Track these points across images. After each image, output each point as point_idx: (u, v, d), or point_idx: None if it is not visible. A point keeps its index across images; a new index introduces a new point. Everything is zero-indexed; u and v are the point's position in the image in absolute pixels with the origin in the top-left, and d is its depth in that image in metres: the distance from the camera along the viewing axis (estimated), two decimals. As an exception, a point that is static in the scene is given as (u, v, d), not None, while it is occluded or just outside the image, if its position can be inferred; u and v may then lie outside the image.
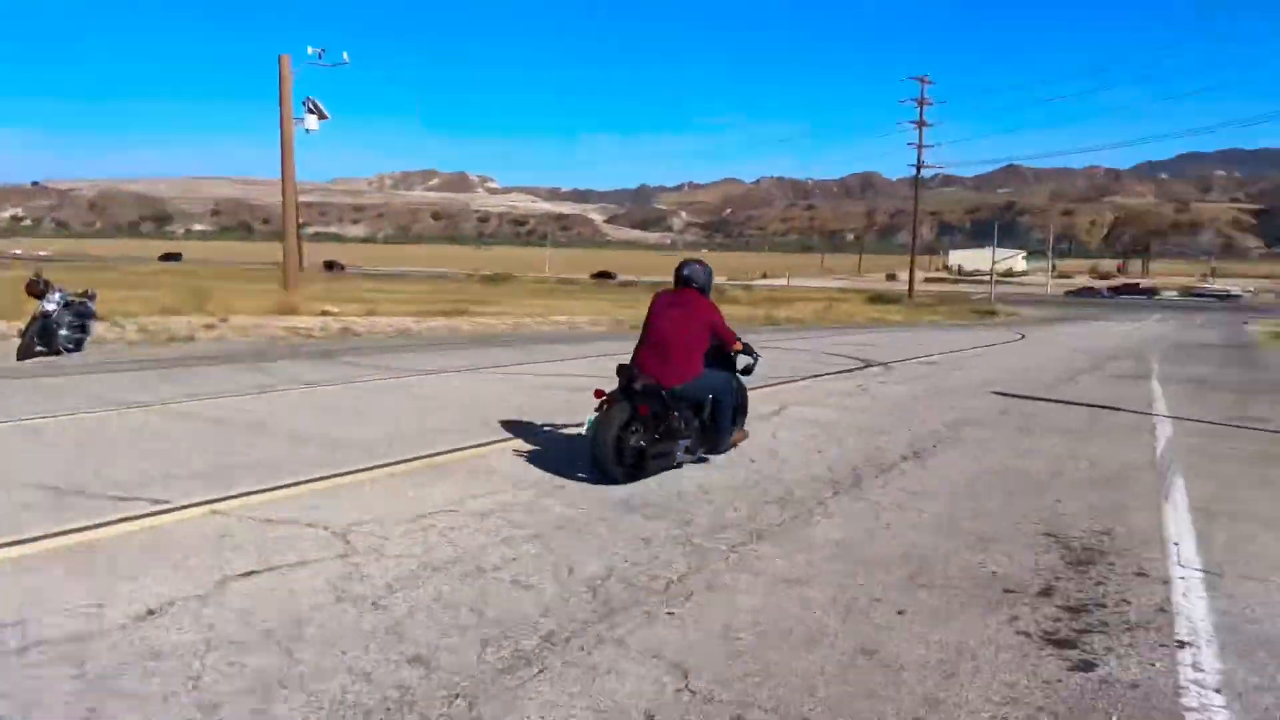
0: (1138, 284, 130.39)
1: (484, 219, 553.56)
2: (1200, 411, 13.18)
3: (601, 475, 7.45)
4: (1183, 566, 5.73)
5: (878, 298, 70.98)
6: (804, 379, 15.99)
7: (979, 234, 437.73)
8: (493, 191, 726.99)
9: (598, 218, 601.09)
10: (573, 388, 13.17)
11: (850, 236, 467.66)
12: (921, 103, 70.19)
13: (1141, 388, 16.37)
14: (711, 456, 8.46)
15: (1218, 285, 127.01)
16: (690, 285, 8.28)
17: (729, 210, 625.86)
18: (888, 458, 9.12)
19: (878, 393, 14.43)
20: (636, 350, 8.08)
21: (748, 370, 8.45)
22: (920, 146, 70.97)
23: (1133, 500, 7.57)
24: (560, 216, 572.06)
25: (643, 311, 8.57)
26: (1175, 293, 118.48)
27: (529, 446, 8.99)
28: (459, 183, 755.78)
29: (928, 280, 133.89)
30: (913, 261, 78.03)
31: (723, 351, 8.21)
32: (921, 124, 70.54)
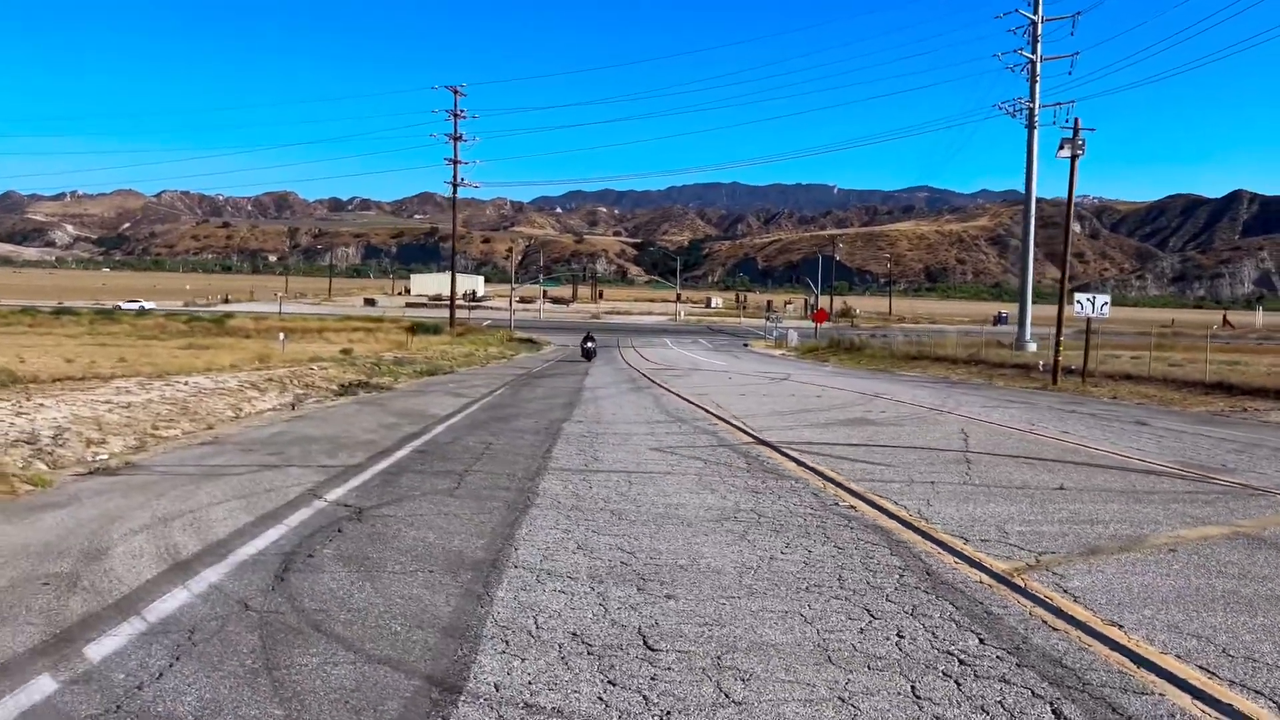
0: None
1: None
2: None
3: None
4: None
5: (418, 327, 65.18)
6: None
7: (406, 257, 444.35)
8: None
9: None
10: None
11: (273, 257, 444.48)
12: (455, 115, 66.03)
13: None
14: None
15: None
16: None
17: (127, 225, 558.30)
18: None
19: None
20: None
21: None
22: (456, 162, 66.73)
23: None
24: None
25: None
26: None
27: None
28: None
29: (410, 305, 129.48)
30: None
31: None
32: (456, 138, 66.34)
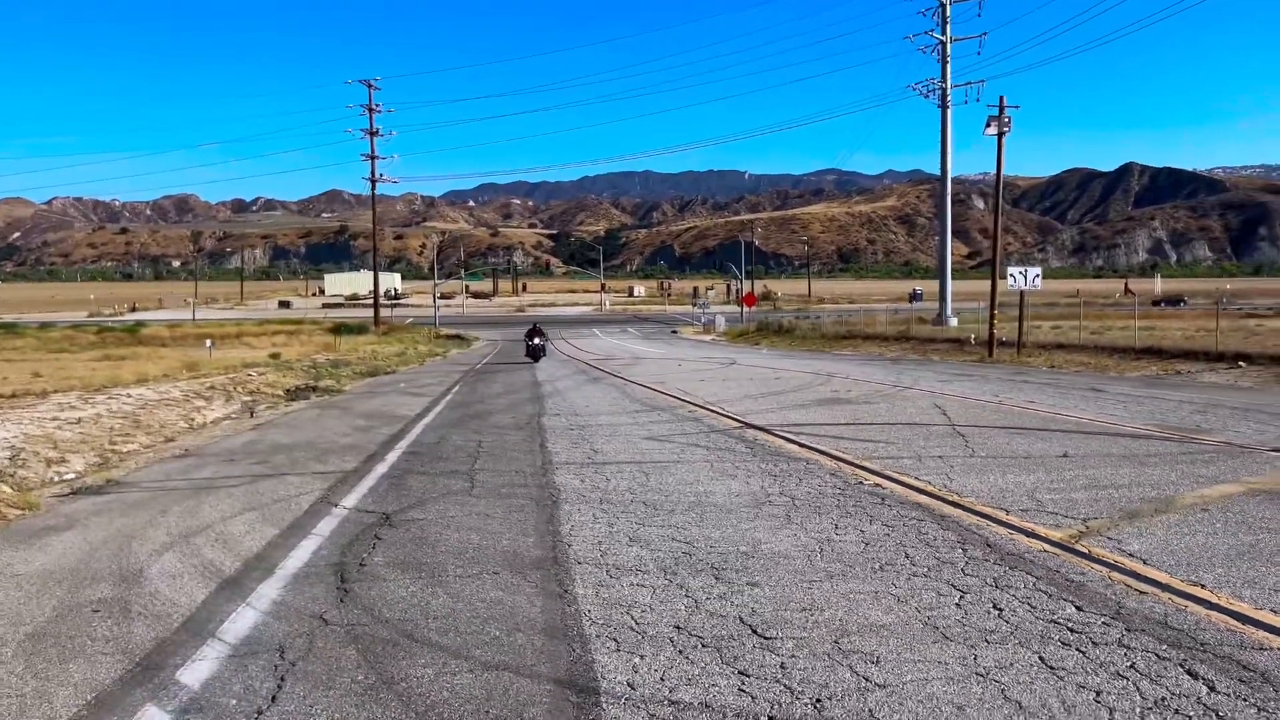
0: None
1: None
2: None
3: None
4: None
5: (342, 327, 63.80)
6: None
7: (316, 257, 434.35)
8: None
9: None
10: None
11: (176, 263, 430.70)
12: (370, 109, 64.57)
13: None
14: None
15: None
16: None
17: (17, 235, 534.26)
18: None
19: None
20: None
21: None
22: (374, 158, 65.26)
23: None
24: None
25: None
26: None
27: None
28: None
29: (326, 306, 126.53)
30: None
31: None
32: (372, 133, 64.93)
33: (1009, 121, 33.82)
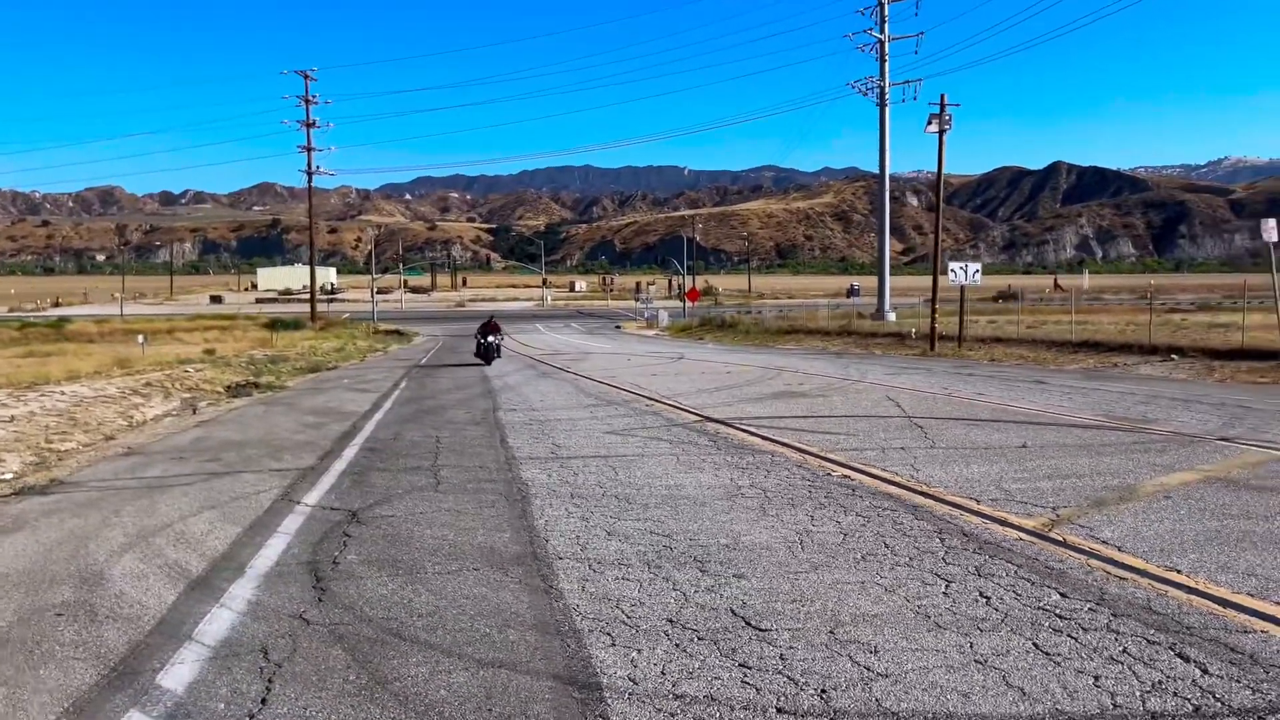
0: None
1: None
2: None
3: None
4: None
5: (277, 323, 62.55)
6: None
7: (247, 251, 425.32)
8: None
9: None
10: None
11: (101, 256, 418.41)
12: (307, 101, 63.28)
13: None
14: None
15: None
16: None
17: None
18: None
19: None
20: None
21: None
22: (310, 149, 63.97)
23: None
24: None
25: None
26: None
27: None
28: None
29: (260, 301, 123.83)
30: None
31: None
32: (309, 124, 63.64)
33: (950, 119, 34.35)
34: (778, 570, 6.17)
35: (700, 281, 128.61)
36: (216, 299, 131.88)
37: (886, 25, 59.98)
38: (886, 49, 59.80)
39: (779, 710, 4.11)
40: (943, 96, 34.34)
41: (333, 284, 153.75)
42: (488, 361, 30.07)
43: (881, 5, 59.56)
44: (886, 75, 59.77)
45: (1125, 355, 26.73)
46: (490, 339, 30.55)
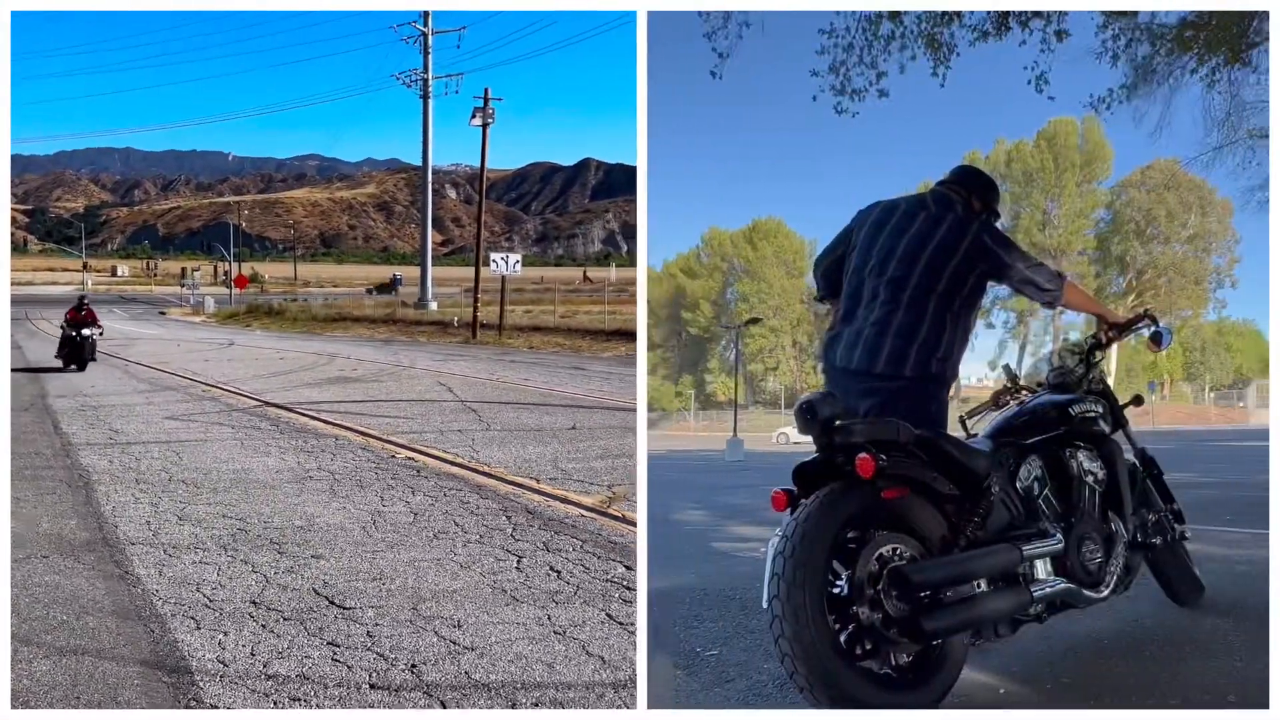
0: None
1: None
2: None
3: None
4: None
5: None
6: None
7: None
8: None
9: None
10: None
11: None
12: None
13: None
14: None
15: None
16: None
17: None
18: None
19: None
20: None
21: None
22: None
23: None
24: None
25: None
26: None
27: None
28: None
29: None
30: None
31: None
32: None
33: (493, 113, 35.63)
34: (355, 550, 6.21)
35: (247, 268, 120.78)
36: None
37: (430, 18, 60.54)
38: (430, 42, 60.39)
39: (372, 686, 4.20)
40: (486, 90, 35.49)
41: None
42: (80, 365, 20.15)
43: (425, -4, 60.04)
44: (430, 68, 60.36)
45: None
46: (86, 332, 20.51)
